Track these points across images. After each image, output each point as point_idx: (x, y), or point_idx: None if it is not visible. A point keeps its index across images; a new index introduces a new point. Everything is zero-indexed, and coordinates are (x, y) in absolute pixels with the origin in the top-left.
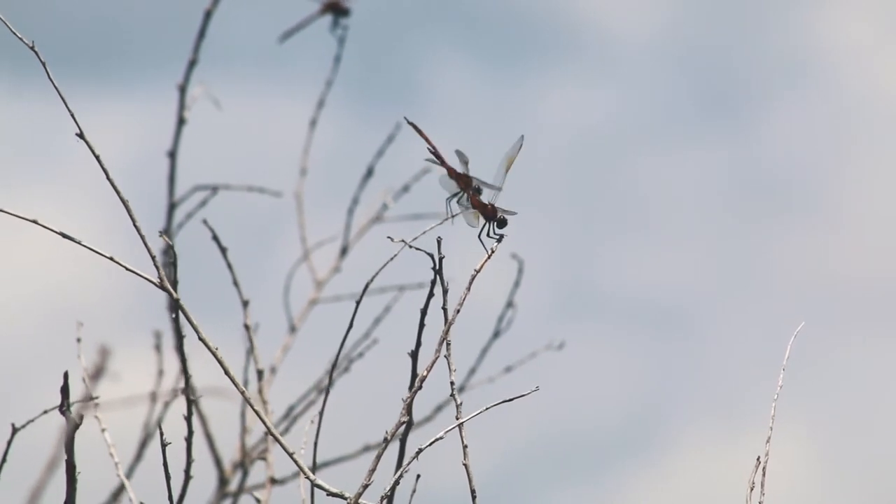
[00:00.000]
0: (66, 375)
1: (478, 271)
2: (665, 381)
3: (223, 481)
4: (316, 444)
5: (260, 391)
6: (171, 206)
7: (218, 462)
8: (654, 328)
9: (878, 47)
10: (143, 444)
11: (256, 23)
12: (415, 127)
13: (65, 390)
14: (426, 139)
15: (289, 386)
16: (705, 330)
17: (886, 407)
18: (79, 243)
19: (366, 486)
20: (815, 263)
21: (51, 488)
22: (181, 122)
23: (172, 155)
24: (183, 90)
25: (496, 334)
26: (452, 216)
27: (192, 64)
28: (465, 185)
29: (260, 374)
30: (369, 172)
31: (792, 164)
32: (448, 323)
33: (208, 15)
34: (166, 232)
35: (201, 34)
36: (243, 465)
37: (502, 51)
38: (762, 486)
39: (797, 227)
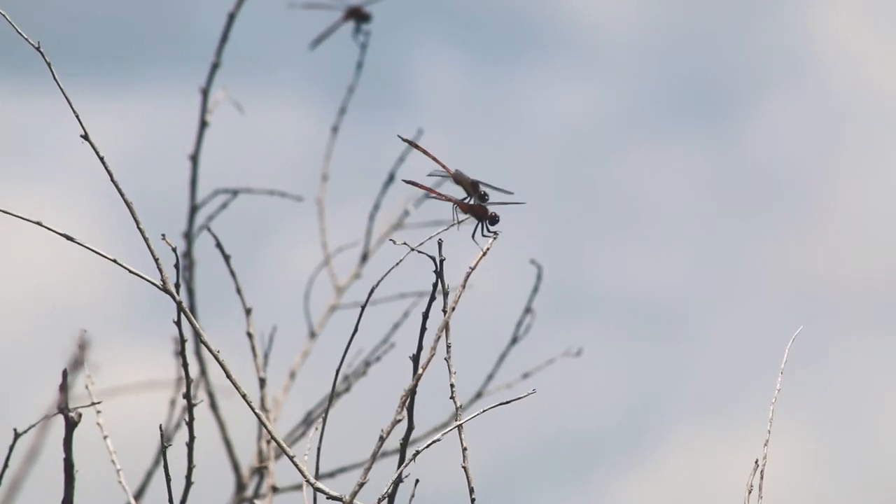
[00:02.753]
0: (65, 373)
1: (472, 269)
2: (657, 380)
3: (240, 486)
4: (319, 449)
5: (262, 399)
6: (193, 209)
7: (236, 467)
8: (646, 328)
9: (867, 43)
10: (162, 451)
11: (264, 27)
12: (409, 142)
13: (63, 388)
14: (423, 151)
15: (308, 391)
16: (697, 329)
17: (880, 406)
18: (83, 245)
19: (361, 485)
20: (807, 261)
21: (48, 485)
22: (203, 125)
23: (194, 158)
24: (205, 93)
25: (514, 340)
26: (459, 222)
27: (215, 67)
28: (472, 191)
29: (262, 381)
30: (391, 178)
31: (783, 162)
32: (444, 321)
33: (232, 17)
34: (188, 235)
35: (224, 37)
36: (260, 470)
37: (491, 47)
38: (760, 489)
39: (788, 225)
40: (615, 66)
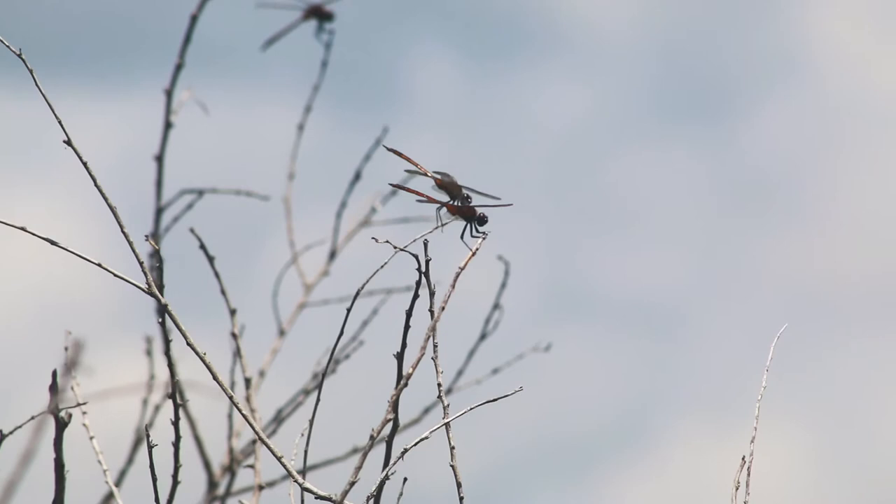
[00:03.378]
0: (54, 374)
1: (462, 269)
2: (652, 380)
3: (212, 485)
4: (307, 449)
5: (248, 399)
6: (159, 210)
7: (207, 465)
8: (641, 327)
9: (865, 44)
10: (134, 449)
11: (241, 27)
12: (395, 152)
13: (53, 389)
14: (408, 160)
15: (277, 389)
16: (695, 328)
17: (879, 404)
18: (66, 250)
19: (352, 485)
20: (805, 261)
21: (39, 487)
22: (168, 126)
23: (159, 159)
24: (170, 94)
25: (483, 336)
26: (443, 224)
27: (179, 68)
28: (455, 195)
29: (248, 381)
30: (357, 176)
31: (781, 162)
32: (433, 321)
33: (194, 19)
34: (153, 236)
35: (187, 38)
36: (231, 468)
37: (487, 46)
38: (747, 485)
39: (786, 225)
40: (613, 66)
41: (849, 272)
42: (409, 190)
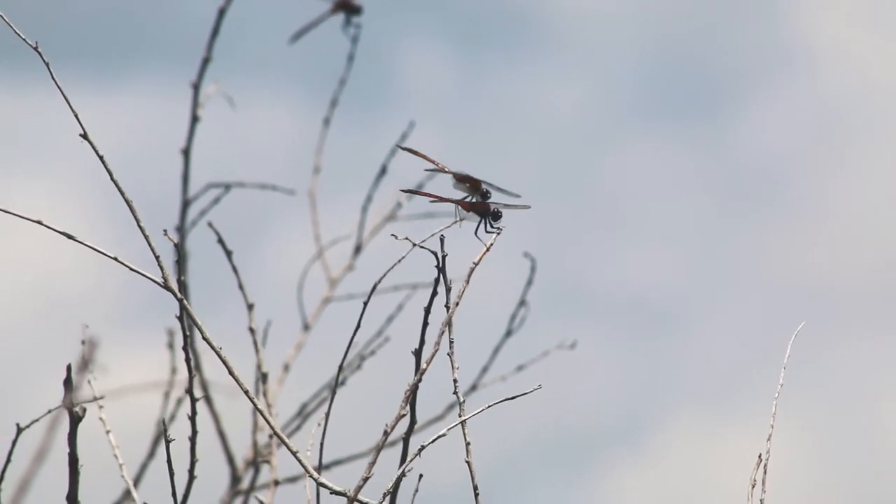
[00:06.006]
0: (69, 369)
1: (476, 264)
2: (656, 375)
3: (235, 479)
4: (322, 444)
5: (264, 394)
6: (185, 204)
7: (230, 460)
8: (644, 324)
9: (860, 39)
10: (156, 443)
11: (262, 20)
12: (411, 151)
13: (67, 384)
14: (425, 158)
15: (302, 384)
16: (694, 325)
17: (877, 401)
18: (83, 244)
19: (366, 480)
20: (803, 258)
21: (52, 481)
22: (195, 119)
23: (186, 152)
24: (197, 88)
25: (509, 333)
26: (461, 220)
27: (206, 62)
28: (475, 189)
29: (264, 377)
30: (383, 171)
31: (776, 159)
32: (448, 316)
33: (222, 13)
34: (180, 229)
35: (215, 32)
36: (255, 463)
37: (481, 40)
38: (763, 483)
39: (781, 222)
40: (608, 61)
41: (848, 270)
42: (421, 193)
